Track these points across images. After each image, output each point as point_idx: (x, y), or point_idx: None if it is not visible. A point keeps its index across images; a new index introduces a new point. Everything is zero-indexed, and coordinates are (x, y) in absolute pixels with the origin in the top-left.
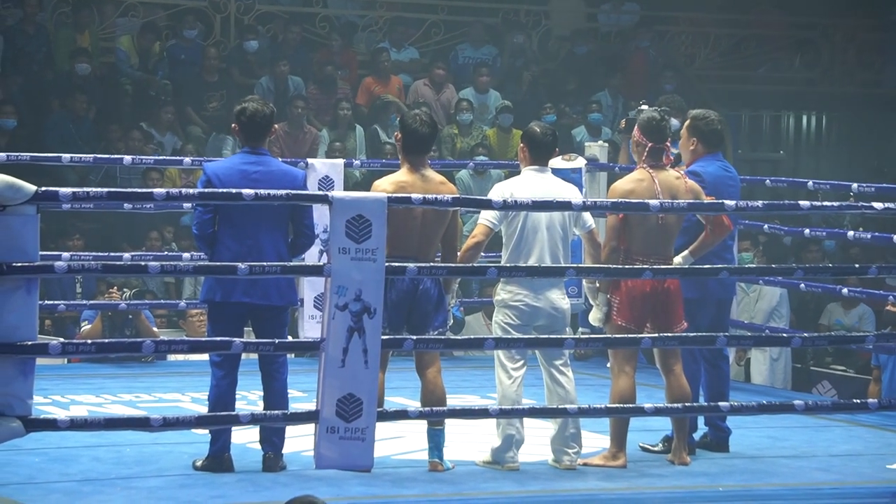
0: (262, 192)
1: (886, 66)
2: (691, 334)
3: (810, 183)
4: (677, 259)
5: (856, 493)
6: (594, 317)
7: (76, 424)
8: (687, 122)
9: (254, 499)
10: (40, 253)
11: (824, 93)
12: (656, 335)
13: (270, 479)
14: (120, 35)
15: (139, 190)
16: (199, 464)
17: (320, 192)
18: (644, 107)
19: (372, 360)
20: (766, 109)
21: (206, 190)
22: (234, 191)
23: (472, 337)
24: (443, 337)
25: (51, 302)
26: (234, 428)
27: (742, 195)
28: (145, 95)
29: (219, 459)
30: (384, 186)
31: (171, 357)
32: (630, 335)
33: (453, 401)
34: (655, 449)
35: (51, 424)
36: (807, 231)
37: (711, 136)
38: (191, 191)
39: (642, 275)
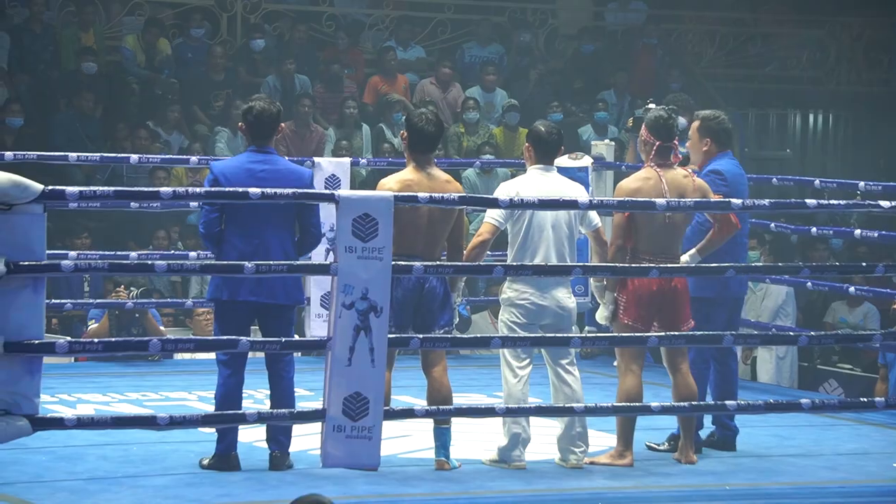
0: (269, 190)
1: (894, 64)
2: (698, 332)
3: (817, 181)
4: (684, 258)
5: (863, 491)
6: (601, 315)
7: (83, 423)
8: (696, 123)
9: (260, 497)
10: (47, 252)
11: (831, 91)
12: (663, 334)
13: (277, 478)
14: (126, 34)
15: (146, 189)
16: (205, 462)
17: (327, 191)
18: (651, 105)
19: (378, 358)
20: (773, 108)
21: (213, 189)
22: (240, 189)
23: (478, 335)
24: (449, 335)
25: (57, 301)
26: (240, 427)
27: (749, 193)
28: (152, 94)
29: (225, 458)
30: (390, 185)
31: (178, 356)
32: (637, 334)
33: (459, 399)
34: (662, 448)
35: (58, 423)
36: (813, 229)
37: (723, 135)
38: (197, 190)
39: (649, 273)
